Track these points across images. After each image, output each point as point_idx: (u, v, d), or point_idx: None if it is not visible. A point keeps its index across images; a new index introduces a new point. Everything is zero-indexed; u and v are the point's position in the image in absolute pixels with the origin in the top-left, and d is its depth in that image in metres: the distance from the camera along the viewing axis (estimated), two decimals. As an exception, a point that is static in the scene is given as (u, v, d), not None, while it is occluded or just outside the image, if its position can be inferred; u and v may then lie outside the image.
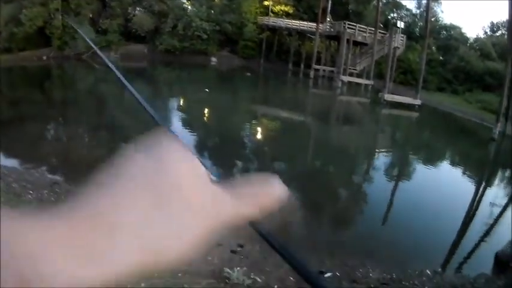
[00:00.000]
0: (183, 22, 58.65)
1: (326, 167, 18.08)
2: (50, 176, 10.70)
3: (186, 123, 21.44)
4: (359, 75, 56.32)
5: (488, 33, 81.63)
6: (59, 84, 31.71)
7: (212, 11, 64.70)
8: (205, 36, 60.25)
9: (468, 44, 72.42)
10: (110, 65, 1.17)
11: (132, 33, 55.32)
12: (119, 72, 1.11)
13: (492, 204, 15.04)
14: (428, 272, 8.32)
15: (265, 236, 0.69)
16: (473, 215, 14.09)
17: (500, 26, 78.48)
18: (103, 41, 49.83)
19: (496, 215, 14.14)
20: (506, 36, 38.98)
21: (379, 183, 16.16)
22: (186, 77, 47.40)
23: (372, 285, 7.37)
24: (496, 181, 20.87)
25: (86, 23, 49.13)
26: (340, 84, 51.95)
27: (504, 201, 16.47)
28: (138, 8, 57.32)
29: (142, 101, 1.04)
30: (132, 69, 46.41)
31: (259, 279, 6.64)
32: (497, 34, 78.23)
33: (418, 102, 40.55)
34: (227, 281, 6.27)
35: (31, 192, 8.60)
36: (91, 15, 50.47)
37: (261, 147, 20.15)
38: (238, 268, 6.56)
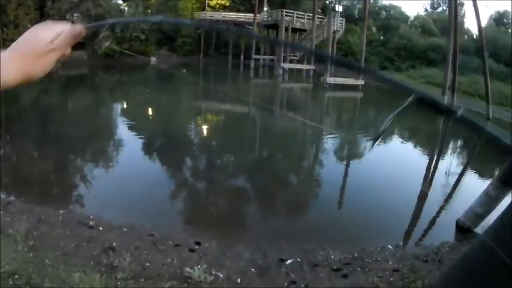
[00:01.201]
0: (121, 24, 57.82)
1: (276, 155, 17.98)
2: (3, 196, 10.39)
3: (132, 128, 21.13)
4: (300, 61, 56.58)
5: (429, 10, 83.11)
6: (3, 100, 31.18)
7: (149, 11, 64.31)
8: (143, 37, 59.66)
9: (409, 22, 73.57)
10: None
11: (72, 40, 53.83)
12: None
13: (447, 174, 15.19)
14: (390, 247, 8.24)
15: None
16: (430, 185, 14.16)
17: (440, 2, 79.98)
18: (43, 50, 48.61)
19: (453, 183, 14.28)
20: (447, 12, 39.66)
21: (331, 166, 16.06)
22: (126, 80, 46.98)
23: (335, 267, 7.25)
24: (449, 151, 21.16)
25: (26, 33, 47.97)
26: (281, 72, 51.92)
27: (459, 169, 16.67)
28: (75, 14, 56.46)
29: None
30: (73, 77, 45.78)
31: (220, 275, 6.49)
32: (438, 10, 79.72)
33: (361, 82, 40.86)
34: (189, 280, 6.13)
35: (-14, 215, 8.35)
36: (30, 26, 49.25)
37: (208, 142, 19.98)
38: (198, 266, 6.41)
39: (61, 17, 52.74)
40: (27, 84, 1.08)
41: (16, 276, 5.37)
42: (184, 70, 55.50)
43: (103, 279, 5.69)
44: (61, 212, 8.89)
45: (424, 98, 1.04)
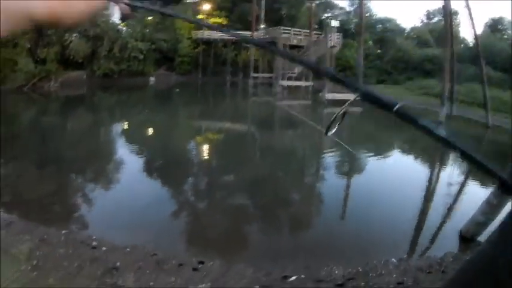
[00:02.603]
0: (119, 44, 57.84)
1: (277, 172, 17.95)
2: (5, 216, 10.40)
3: (133, 147, 21.14)
4: (298, 78, 56.58)
5: (425, 21, 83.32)
6: (3, 119, 31.23)
7: (147, 30, 64.31)
8: (141, 57, 59.50)
9: (405, 34, 73.72)
10: None
11: (70, 60, 53.96)
12: None
13: (449, 184, 15.17)
14: (394, 260, 8.22)
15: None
16: (432, 196, 14.16)
17: (436, 12, 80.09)
18: (43, 71, 48.73)
19: (455, 193, 14.26)
20: (443, 22, 39.58)
21: (332, 182, 16.03)
22: (125, 100, 46.92)
23: (339, 282, 7.23)
24: (450, 161, 21.10)
25: (24, 53, 48.04)
26: (280, 89, 52.11)
27: (460, 178, 16.63)
28: (74, 34, 56.41)
29: None
30: (72, 97, 45.80)
31: (224, 293, 6.51)
32: (434, 21, 79.82)
33: (359, 97, 40.68)
34: (193, 299, 6.14)
35: (-12, 234, 8.36)
36: (29, 45, 49.30)
37: (209, 160, 19.97)
38: (202, 285, 6.42)
39: (59, 36, 52.75)
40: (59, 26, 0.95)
41: (19, 296, 5.39)
42: (177, 90, 55.48)
43: (107, 299, 5.69)
44: (63, 232, 8.88)
45: (367, 93, 1.10)
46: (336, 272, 7.66)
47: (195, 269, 7.43)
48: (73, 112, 34.53)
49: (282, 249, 9.40)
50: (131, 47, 58.30)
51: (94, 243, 8.36)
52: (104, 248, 8.10)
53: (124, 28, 63.98)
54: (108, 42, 57.00)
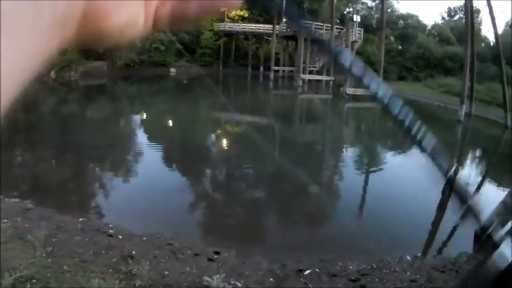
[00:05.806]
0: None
1: (295, 166, 17.99)
2: (22, 202, 10.49)
3: (151, 138, 21.27)
4: (319, 72, 56.60)
5: (446, 18, 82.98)
6: (22, 106, 31.51)
7: (167, 20, 64.41)
8: (162, 48, 59.71)
9: (426, 31, 73.50)
10: None
11: (91, 51, 54.34)
12: None
13: (466, 183, 15.05)
14: (408, 258, 8.25)
15: None
16: (449, 196, 14.12)
17: (457, 10, 79.73)
18: (63, 61, 48.97)
19: (471, 193, 14.17)
20: (464, 20, 39.39)
21: (350, 177, 16.11)
22: (145, 90, 47.19)
23: (353, 277, 7.28)
24: (468, 161, 20.97)
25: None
26: (300, 83, 52.00)
27: (477, 179, 16.52)
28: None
29: None
30: (93, 86, 46.08)
31: (239, 284, 6.54)
32: (455, 18, 79.49)
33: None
34: (207, 289, 6.19)
35: (5, 220, 8.44)
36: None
37: (227, 152, 20.09)
38: (217, 275, 6.46)
39: (80, 27, 53.34)
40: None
41: (34, 281, 5.46)
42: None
43: (121, 286, 5.75)
44: (80, 219, 8.99)
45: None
46: (351, 267, 7.71)
47: (210, 259, 7.51)
48: (93, 101, 34.83)
49: (298, 242, 9.48)
50: (152, 38, 58.58)
51: (110, 231, 8.46)
52: (120, 236, 8.19)
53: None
54: (129, 33, 57.43)
